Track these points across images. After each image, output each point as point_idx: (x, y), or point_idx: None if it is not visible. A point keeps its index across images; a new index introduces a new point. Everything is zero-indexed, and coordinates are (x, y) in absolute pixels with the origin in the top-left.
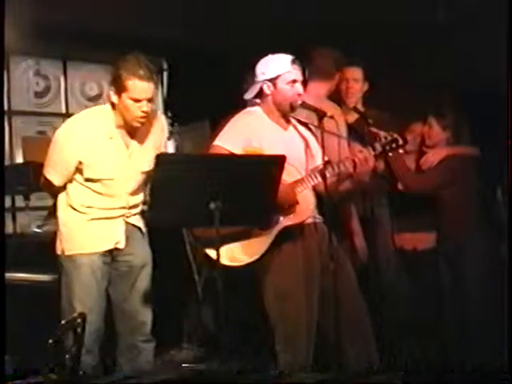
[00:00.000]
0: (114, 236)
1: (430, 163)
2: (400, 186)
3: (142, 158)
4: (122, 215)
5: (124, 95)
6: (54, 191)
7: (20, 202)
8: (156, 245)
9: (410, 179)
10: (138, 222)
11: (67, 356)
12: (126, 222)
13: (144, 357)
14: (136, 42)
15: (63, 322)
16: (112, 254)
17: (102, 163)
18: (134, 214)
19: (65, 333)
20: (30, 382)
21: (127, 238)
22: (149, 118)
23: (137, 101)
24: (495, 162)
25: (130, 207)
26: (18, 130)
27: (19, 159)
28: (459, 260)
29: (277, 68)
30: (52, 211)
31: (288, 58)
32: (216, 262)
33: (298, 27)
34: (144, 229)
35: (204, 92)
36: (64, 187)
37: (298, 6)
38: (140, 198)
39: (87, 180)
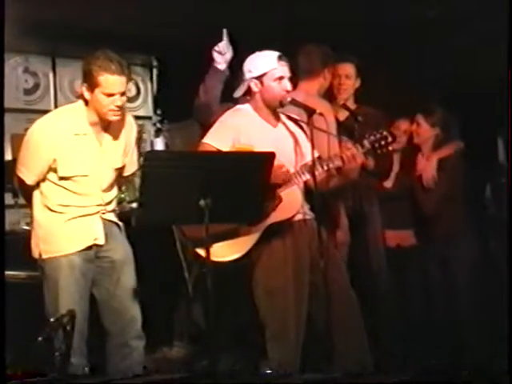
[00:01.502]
0: (92, 233)
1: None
2: (387, 184)
3: (114, 154)
4: (98, 212)
5: (97, 90)
6: (27, 190)
7: (9, 199)
8: (146, 242)
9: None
10: (115, 217)
11: (57, 353)
12: (103, 219)
13: (137, 355)
14: (125, 39)
15: (52, 319)
16: (92, 252)
17: (75, 160)
18: (110, 211)
19: (54, 330)
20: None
21: (106, 235)
22: (122, 112)
23: (110, 95)
24: (486, 159)
25: (106, 204)
26: (7, 128)
27: (8, 157)
28: (446, 258)
29: (263, 65)
30: None
31: (274, 54)
32: (205, 259)
33: (288, 24)
34: (121, 224)
35: (194, 89)
36: (37, 186)
37: (289, 2)
38: (114, 193)
39: (61, 178)
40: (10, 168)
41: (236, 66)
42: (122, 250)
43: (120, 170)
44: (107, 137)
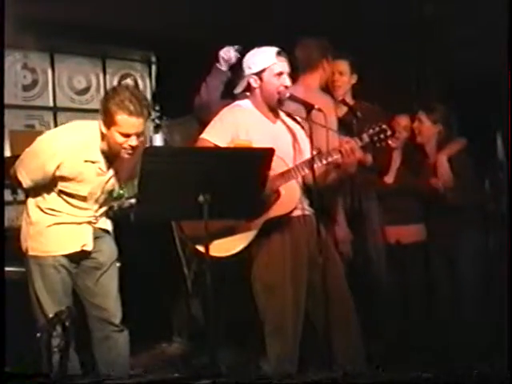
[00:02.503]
0: (81, 239)
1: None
2: (387, 180)
3: (117, 181)
4: (89, 222)
5: (113, 129)
6: (20, 188)
7: (8, 196)
8: (145, 239)
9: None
10: (105, 224)
11: (55, 350)
12: (93, 226)
13: (120, 346)
14: (125, 35)
15: (51, 315)
16: (79, 255)
17: (78, 182)
18: (100, 217)
19: (53, 327)
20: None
21: (94, 240)
22: (137, 152)
23: (126, 136)
24: (488, 155)
25: (98, 215)
26: (6, 124)
27: (7, 153)
28: (447, 254)
29: (262, 61)
30: None
31: (273, 50)
32: (204, 255)
33: (286, 21)
34: (110, 229)
35: (192, 85)
36: (27, 189)
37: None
38: (108, 206)
39: (61, 192)
40: (8, 164)
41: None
42: (108, 253)
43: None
44: (114, 165)
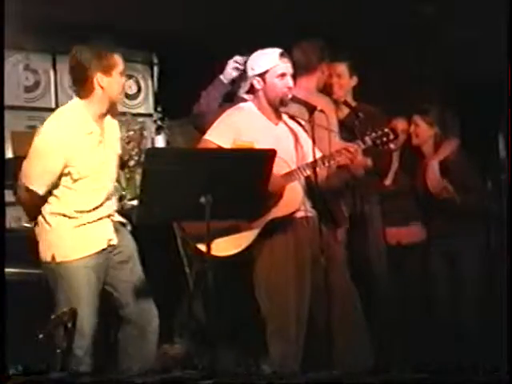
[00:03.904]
0: (105, 234)
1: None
2: (386, 182)
3: (115, 145)
4: (109, 215)
5: (114, 71)
6: (36, 203)
7: (10, 196)
8: (147, 239)
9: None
10: (120, 217)
11: (58, 351)
12: (113, 220)
13: (152, 342)
14: (126, 35)
15: (53, 316)
16: (106, 252)
17: (87, 159)
18: (117, 211)
19: (55, 328)
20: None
21: (116, 234)
22: None
23: (122, 74)
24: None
25: (113, 204)
26: (8, 125)
27: (9, 154)
28: (449, 255)
29: (266, 63)
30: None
31: (276, 51)
32: (206, 255)
33: (288, 23)
34: (125, 221)
35: (194, 86)
36: (49, 195)
37: (289, 2)
38: (117, 194)
39: (76, 180)
40: (10, 165)
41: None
42: (131, 245)
43: (122, 161)
44: (106, 130)
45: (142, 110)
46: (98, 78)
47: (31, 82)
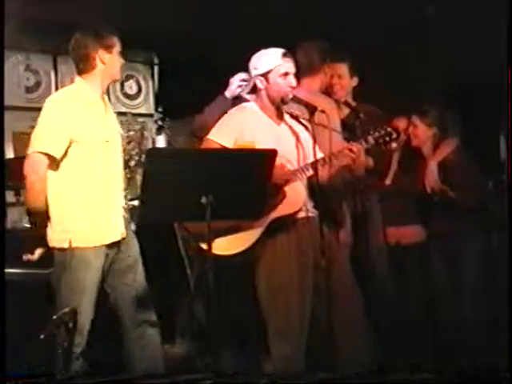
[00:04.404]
0: (119, 227)
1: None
2: (386, 182)
3: (115, 126)
4: (121, 206)
5: (114, 50)
6: (43, 172)
7: (11, 197)
8: (148, 239)
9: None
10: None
11: (59, 351)
12: (124, 216)
13: (155, 342)
14: (127, 36)
15: (54, 316)
16: (116, 248)
17: (94, 127)
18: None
19: (56, 328)
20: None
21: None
22: None
23: (120, 55)
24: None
25: (123, 198)
26: (9, 126)
27: (10, 154)
28: (449, 255)
29: (268, 62)
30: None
31: (279, 51)
32: (208, 254)
33: (290, 23)
34: (129, 218)
35: (195, 86)
36: (58, 167)
37: (291, 2)
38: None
39: (84, 152)
40: (11, 166)
41: (236, 64)
42: (135, 246)
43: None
44: (108, 108)
45: (142, 110)
46: (100, 55)
47: (32, 83)
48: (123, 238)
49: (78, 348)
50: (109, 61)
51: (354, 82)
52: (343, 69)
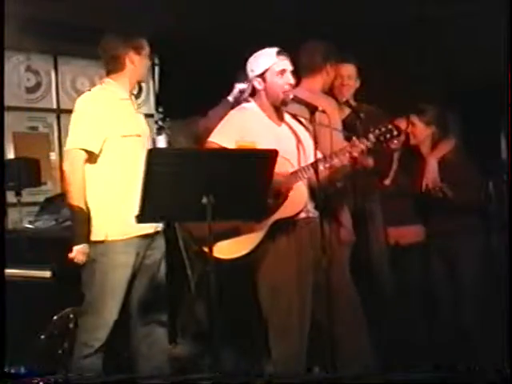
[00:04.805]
0: None
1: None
2: (386, 182)
3: (142, 117)
4: None
5: (143, 52)
6: (79, 170)
7: (12, 197)
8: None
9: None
10: None
11: (60, 352)
12: None
13: (161, 341)
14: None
15: (55, 317)
16: (148, 240)
17: (127, 120)
18: None
19: (57, 328)
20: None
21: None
22: None
23: (148, 58)
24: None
25: None
26: (9, 126)
27: (10, 155)
28: (449, 255)
29: (264, 62)
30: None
31: (273, 50)
32: (209, 257)
33: (289, 24)
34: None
35: (196, 87)
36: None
37: (290, 2)
38: None
39: (117, 145)
40: (11, 166)
41: (236, 64)
42: (162, 242)
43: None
44: (135, 104)
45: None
46: (129, 56)
47: (33, 83)
48: (156, 232)
49: (97, 342)
50: (138, 62)
51: (358, 83)
52: (353, 70)
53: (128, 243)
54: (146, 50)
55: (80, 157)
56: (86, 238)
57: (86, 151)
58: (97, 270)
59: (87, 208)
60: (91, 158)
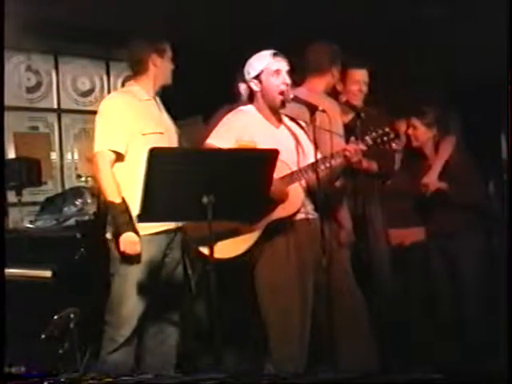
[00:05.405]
0: None
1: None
2: (388, 183)
3: (168, 118)
4: None
5: (166, 55)
6: (110, 170)
7: (12, 197)
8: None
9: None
10: None
11: (60, 351)
12: None
13: (172, 339)
14: (127, 36)
15: (56, 317)
16: (171, 235)
17: (151, 119)
18: None
19: (57, 328)
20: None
21: None
22: None
23: (171, 61)
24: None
25: None
26: (10, 126)
27: (11, 155)
28: (450, 255)
29: (259, 64)
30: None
31: (269, 52)
32: (208, 257)
33: (293, 25)
34: None
35: (198, 87)
36: (123, 160)
37: (294, 3)
38: None
39: (144, 135)
40: (12, 166)
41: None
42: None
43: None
44: (160, 106)
45: None
46: (153, 58)
47: (33, 83)
48: (178, 227)
49: (120, 338)
50: (161, 65)
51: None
52: (366, 75)
53: (150, 239)
54: (169, 53)
55: (108, 157)
56: (130, 225)
57: (114, 152)
58: (121, 266)
59: (124, 202)
60: (119, 157)
